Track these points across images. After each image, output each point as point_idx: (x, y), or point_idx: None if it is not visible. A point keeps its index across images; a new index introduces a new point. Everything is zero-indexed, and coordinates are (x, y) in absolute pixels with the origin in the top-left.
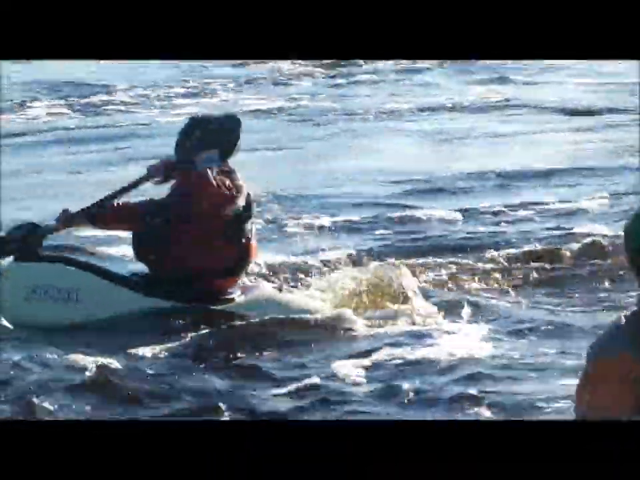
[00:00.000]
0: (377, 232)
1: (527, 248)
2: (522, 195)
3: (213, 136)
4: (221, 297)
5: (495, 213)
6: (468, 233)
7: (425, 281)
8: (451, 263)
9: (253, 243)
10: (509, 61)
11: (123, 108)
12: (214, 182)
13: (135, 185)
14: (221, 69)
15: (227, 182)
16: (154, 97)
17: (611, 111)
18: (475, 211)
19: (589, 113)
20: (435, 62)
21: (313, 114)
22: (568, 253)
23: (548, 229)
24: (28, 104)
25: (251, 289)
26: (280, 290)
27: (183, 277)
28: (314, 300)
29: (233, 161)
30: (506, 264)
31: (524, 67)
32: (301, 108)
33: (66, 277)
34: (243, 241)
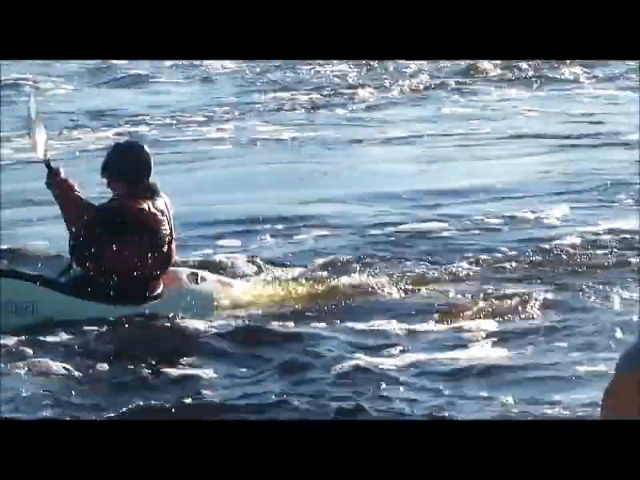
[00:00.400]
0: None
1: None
2: (499, 206)
3: (124, 162)
4: (149, 296)
5: (475, 222)
6: (450, 239)
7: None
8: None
9: (173, 247)
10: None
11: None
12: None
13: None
14: (228, 98)
15: (148, 202)
16: (178, 126)
17: (570, 137)
18: (460, 219)
19: (555, 137)
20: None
21: (317, 140)
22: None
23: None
24: (68, 131)
25: (172, 283)
26: (196, 281)
27: (116, 281)
28: (227, 287)
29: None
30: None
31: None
32: (309, 135)
33: (17, 291)
34: (165, 247)
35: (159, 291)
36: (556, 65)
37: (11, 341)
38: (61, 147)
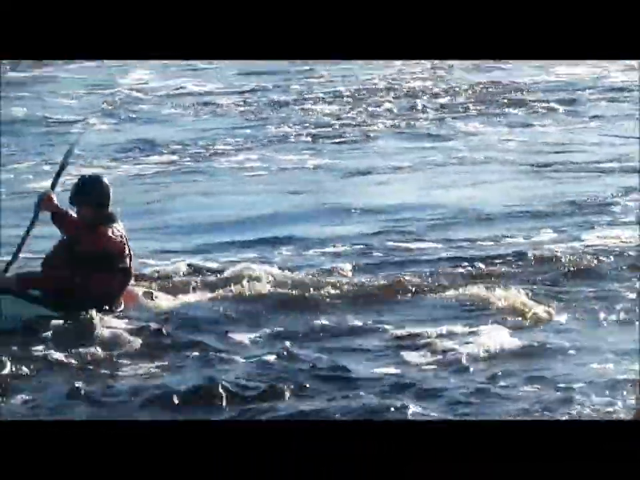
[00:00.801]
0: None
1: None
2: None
3: (88, 192)
4: (114, 311)
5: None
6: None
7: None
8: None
9: (132, 266)
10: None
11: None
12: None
13: (34, 221)
14: (244, 130)
15: (109, 229)
16: (205, 155)
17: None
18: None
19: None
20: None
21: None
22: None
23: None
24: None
25: (131, 301)
26: (151, 299)
27: (88, 298)
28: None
29: None
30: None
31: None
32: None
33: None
34: (127, 266)
35: (122, 307)
36: (529, 99)
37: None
38: (109, 175)
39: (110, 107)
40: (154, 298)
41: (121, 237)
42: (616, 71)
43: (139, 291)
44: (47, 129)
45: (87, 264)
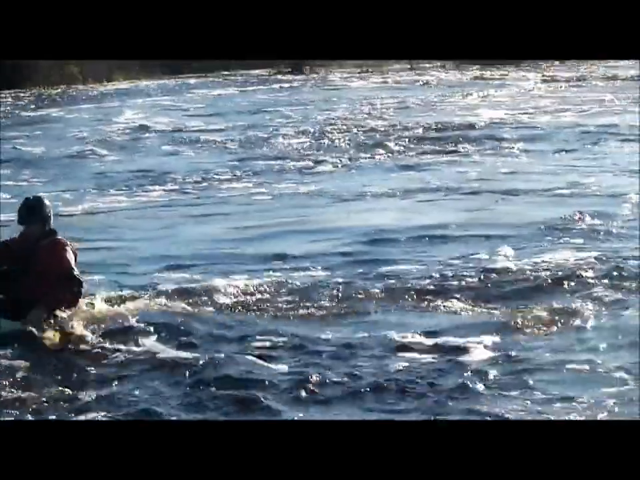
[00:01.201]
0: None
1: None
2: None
3: (35, 211)
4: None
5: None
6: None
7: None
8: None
9: (81, 279)
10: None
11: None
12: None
13: None
14: (252, 162)
15: (61, 241)
16: (202, 185)
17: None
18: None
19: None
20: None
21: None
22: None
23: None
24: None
25: (76, 309)
26: (93, 307)
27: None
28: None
29: None
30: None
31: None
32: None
33: None
34: (79, 278)
35: (66, 314)
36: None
37: None
38: (121, 204)
39: (109, 143)
40: (94, 307)
41: (72, 247)
42: (530, 114)
43: (82, 301)
44: (63, 161)
45: (49, 275)
